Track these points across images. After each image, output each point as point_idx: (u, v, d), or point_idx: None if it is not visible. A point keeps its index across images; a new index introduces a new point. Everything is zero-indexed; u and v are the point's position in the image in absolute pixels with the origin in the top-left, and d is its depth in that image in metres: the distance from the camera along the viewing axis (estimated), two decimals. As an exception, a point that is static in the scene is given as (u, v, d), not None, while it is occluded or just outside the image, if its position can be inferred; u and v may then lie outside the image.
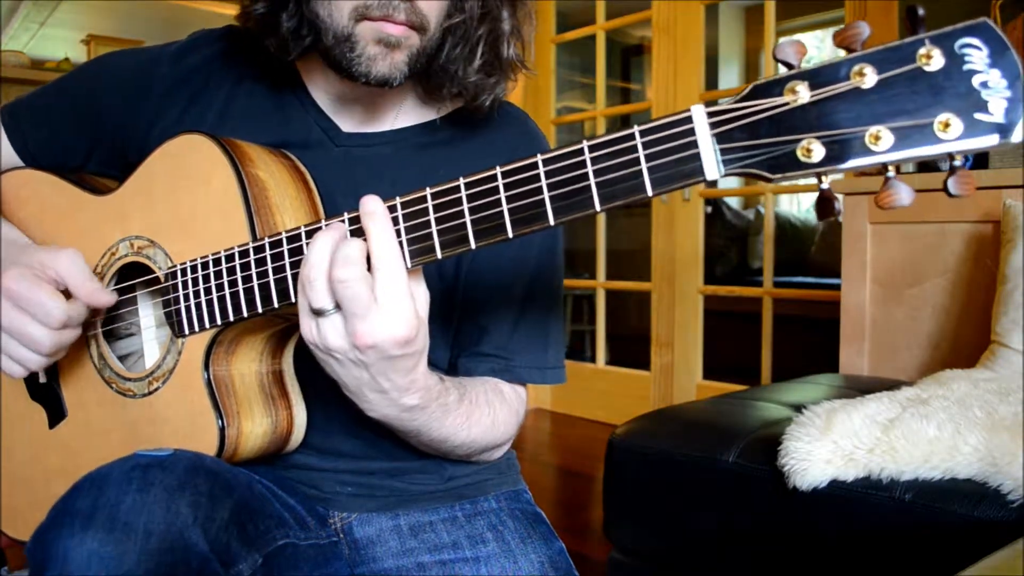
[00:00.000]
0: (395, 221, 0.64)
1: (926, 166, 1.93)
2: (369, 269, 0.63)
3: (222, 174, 0.76)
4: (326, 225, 0.67)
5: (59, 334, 0.79)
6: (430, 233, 0.63)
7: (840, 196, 2.27)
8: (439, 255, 0.63)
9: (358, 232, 0.65)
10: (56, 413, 0.89)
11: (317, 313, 0.64)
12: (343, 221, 0.66)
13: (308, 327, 0.66)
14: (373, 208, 0.63)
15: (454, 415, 0.78)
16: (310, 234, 0.69)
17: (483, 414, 0.83)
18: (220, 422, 0.76)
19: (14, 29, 4.39)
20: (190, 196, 0.79)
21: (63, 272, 0.79)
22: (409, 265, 0.64)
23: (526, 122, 0.96)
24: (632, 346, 3.45)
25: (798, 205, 5.01)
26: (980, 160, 1.87)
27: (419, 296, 0.66)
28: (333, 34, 0.77)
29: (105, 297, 0.81)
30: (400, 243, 0.64)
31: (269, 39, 0.81)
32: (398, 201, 0.64)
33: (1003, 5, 1.91)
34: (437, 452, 0.84)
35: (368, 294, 0.62)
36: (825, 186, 0.53)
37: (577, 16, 3.66)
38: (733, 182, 5.07)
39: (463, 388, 0.81)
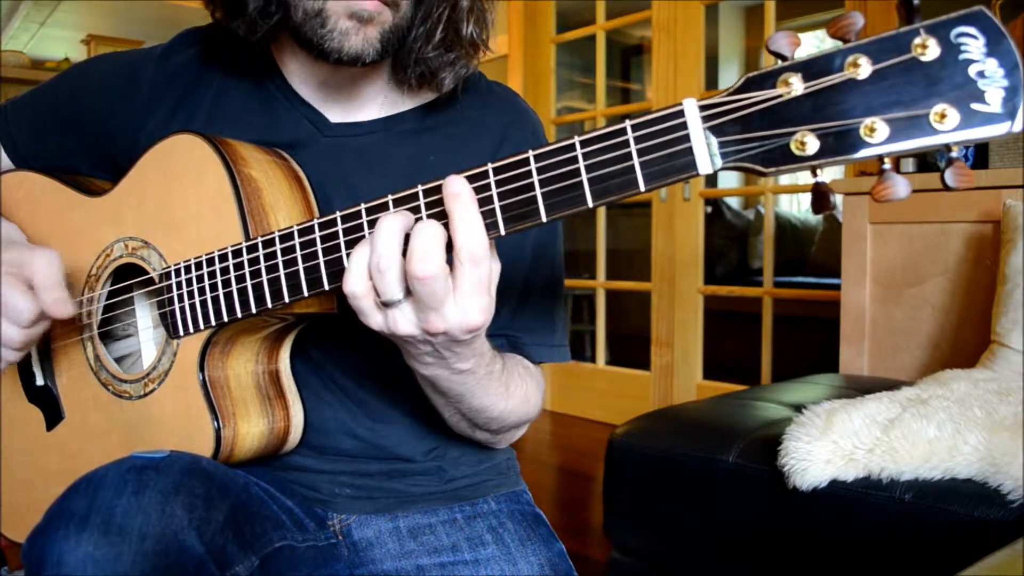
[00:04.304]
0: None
1: (925, 165, 1.92)
2: (449, 253, 0.59)
3: (215, 174, 0.76)
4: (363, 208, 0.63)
5: (29, 332, 0.78)
6: None
7: (839, 197, 2.26)
8: None
9: (414, 210, 0.62)
10: (53, 415, 0.88)
11: (386, 304, 0.61)
12: (416, 195, 0.62)
13: (376, 319, 0.63)
14: (458, 189, 0.58)
15: (497, 383, 0.77)
16: (303, 232, 0.68)
17: (518, 386, 0.82)
18: (216, 423, 0.76)
19: (14, 29, 4.39)
20: (183, 196, 0.79)
21: (36, 273, 0.77)
22: None
23: (516, 101, 0.95)
24: (632, 346, 3.44)
25: (798, 205, 5.01)
26: (980, 159, 1.87)
27: (494, 275, 0.62)
28: (303, 10, 0.76)
29: (66, 309, 0.78)
30: None
31: (237, 21, 0.80)
32: (390, 198, 0.63)
33: (1003, 4, 1.91)
34: (472, 425, 0.82)
35: (445, 288, 0.59)
36: (820, 180, 0.52)
37: (577, 16, 3.66)
38: (733, 182, 5.07)
39: (504, 359, 0.80)
